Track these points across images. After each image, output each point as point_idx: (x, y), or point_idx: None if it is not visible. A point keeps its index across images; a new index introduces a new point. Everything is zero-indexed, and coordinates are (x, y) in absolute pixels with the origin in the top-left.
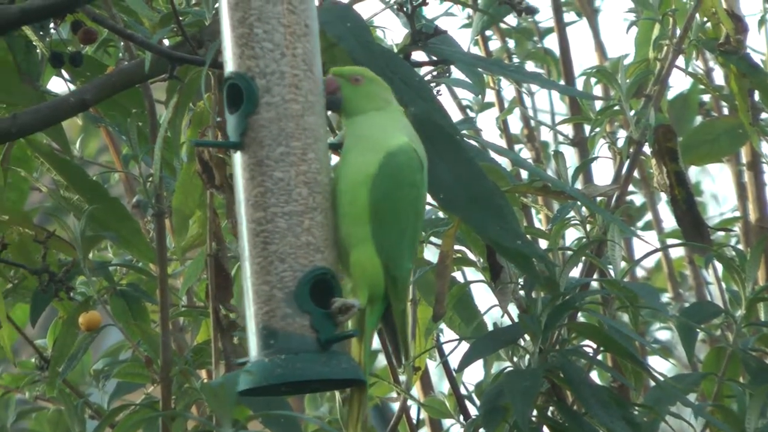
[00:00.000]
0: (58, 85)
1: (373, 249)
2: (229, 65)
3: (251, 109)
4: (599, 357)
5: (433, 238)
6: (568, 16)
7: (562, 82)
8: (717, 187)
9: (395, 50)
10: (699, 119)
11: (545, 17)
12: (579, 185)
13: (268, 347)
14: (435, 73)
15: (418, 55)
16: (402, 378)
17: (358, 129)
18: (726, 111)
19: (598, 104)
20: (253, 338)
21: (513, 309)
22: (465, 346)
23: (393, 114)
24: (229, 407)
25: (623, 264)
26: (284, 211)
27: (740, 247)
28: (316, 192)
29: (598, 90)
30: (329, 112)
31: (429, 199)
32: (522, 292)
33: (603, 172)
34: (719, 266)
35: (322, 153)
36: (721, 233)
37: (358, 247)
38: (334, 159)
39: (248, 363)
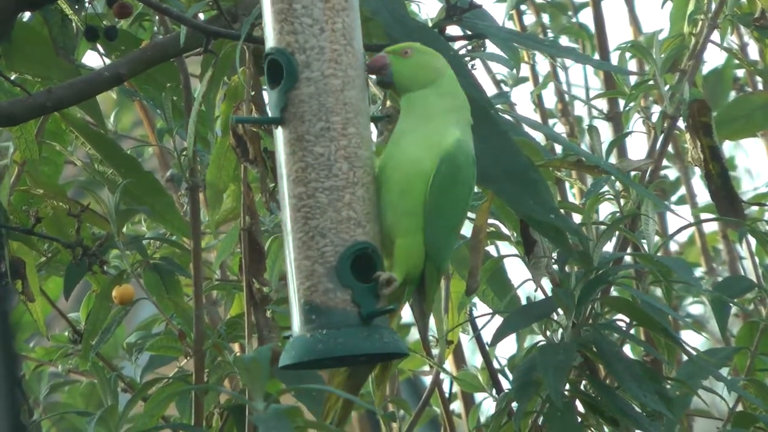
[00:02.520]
0: (93, 59)
1: (421, 240)
2: (270, 41)
3: (291, 84)
4: (632, 331)
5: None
6: None
7: (596, 57)
8: (751, 161)
9: (430, 24)
10: (733, 94)
11: None
12: (613, 160)
13: (310, 322)
14: (470, 47)
15: (453, 30)
16: (435, 351)
17: (412, 111)
18: (760, 86)
19: (633, 79)
20: (296, 313)
21: (546, 283)
22: (498, 320)
23: (447, 89)
24: (262, 381)
25: (657, 238)
26: (325, 186)
27: None
28: (356, 166)
29: (632, 65)
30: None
31: None
32: (555, 266)
33: (637, 146)
34: (753, 241)
35: (363, 127)
36: (755, 208)
37: (406, 236)
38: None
39: (291, 337)
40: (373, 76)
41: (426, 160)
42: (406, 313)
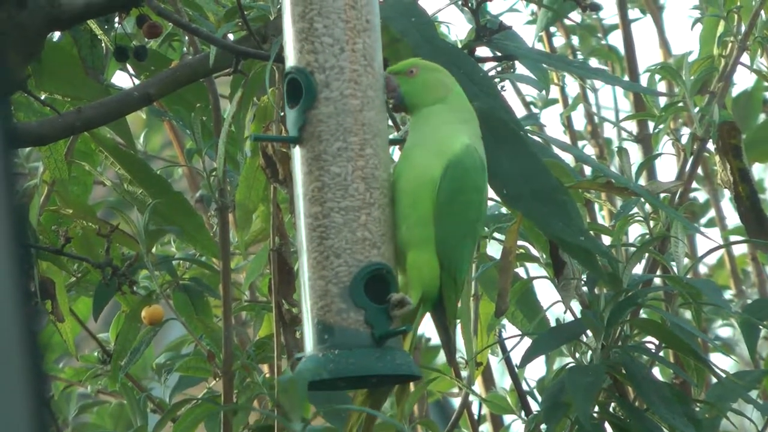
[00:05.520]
0: (123, 79)
1: (432, 251)
2: (290, 60)
3: (310, 103)
4: (661, 353)
5: (496, 234)
6: (633, 12)
7: (626, 79)
8: None
9: (459, 46)
10: (763, 116)
11: (610, 14)
12: (642, 182)
13: (322, 342)
14: (499, 68)
15: (483, 51)
16: (464, 373)
17: (421, 125)
18: None
19: (662, 101)
20: (309, 333)
21: (576, 305)
22: (527, 341)
23: (456, 105)
24: (300, 401)
25: (686, 260)
26: (341, 206)
27: None
28: (373, 187)
29: (662, 87)
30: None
31: (491, 194)
32: (585, 288)
33: (667, 168)
34: None
35: (380, 148)
36: None
37: (417, 249)
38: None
39: (303, 357)
40: (389, 100)
41: (435, 167)
42: (435, 335)
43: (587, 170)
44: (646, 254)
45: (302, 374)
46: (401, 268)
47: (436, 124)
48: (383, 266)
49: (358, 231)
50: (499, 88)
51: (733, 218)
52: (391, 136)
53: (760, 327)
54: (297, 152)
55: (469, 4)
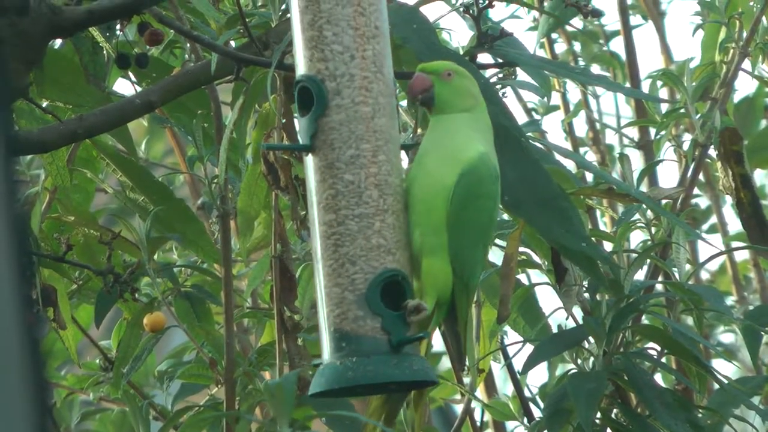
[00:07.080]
0: (124, 86)
1: (446, 258)
2: (300, 68)
3: (321, 111)
4: (663, 359)
5: (497, 241)
6: (635, 19)
7: (627, 85)
8: None
9: (461, 52)
10: (764, 122)
11: (611, 20)
12: (644, 188)
13: (340, 350)
14: (501, 75)
15: (484, 58)
16: (466, 380)
17: (439, 130)
18: None
19: (664, 107)
20: (326, 341)
21: (577, 311)
22: (529, 348)
23: (479, 117)
24: (288, 407)
25: (688, 267)
26: (355, 213)
27: None
28: (387, 194)
29: (663, 93)
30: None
31: None
32: (586, 295)
33: (668, 175)
34: None
35: (393, 155)
36: None
37: (431, 256)
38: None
39: (321, 365)
40: (419, 96)
41: (448, 175)
42: (437, 341)
43: (589, 177)
44: (648, 260)
45: (321, 383)
46: (416, 274)
47: (453, 131)
48: (398, 273)
49: (373, 238)
50: (500, 94)
51: (734, 224)
52: (401, 141)
53: (762, 333)
54: (310, 160)
55: (471, 11)
